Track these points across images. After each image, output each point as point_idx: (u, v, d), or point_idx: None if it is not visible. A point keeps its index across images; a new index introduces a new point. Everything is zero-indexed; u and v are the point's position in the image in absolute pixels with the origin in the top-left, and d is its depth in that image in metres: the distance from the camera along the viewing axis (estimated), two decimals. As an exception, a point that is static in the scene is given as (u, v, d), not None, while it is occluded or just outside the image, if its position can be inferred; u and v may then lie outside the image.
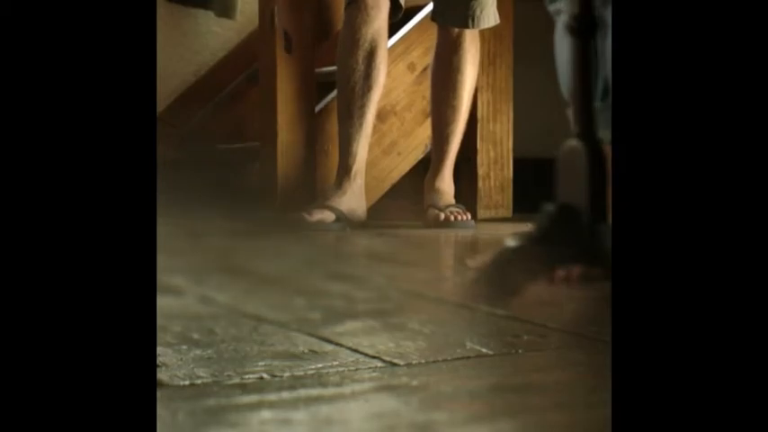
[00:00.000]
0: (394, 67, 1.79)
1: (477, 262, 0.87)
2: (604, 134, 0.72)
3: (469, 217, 1.71)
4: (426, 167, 1.81)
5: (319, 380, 0.51)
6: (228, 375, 0.52)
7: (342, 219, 1.64)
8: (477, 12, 1.68)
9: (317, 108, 1.80)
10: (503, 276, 0.75)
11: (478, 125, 1.89)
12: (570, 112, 0.74)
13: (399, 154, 1.84)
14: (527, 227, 0.77)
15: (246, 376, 0.52)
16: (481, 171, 1.90)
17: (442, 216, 1.68)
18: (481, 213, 1.89)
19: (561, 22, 0.77)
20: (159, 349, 0.58)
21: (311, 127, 1.78)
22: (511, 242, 0.75)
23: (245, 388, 0.49)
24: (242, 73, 2.15)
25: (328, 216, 1.63)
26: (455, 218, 1.68)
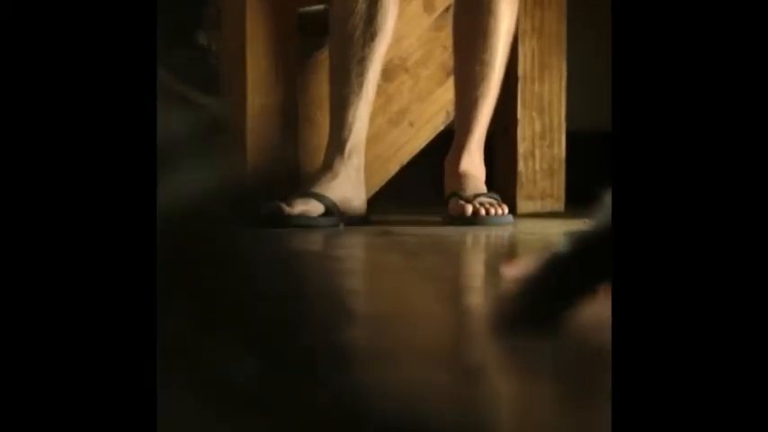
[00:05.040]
0: (406, 5, 1.75)
1: (514, 272, 0.83)
2: None
3: (506, 210, 1.66)
4: (448, 143, 1.75)
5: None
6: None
7: (333, 211, 1.59)
8: None
9: (301, 62, 1.76)
10: (551, 294, 0.70)
11: (519, 85, 1.83)
12: None
13: (412, 125, 1.80)
14: (584, 224, 0.73)
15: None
16: (522, 148, 1.85)
17: (469, 209, 1.63)
18: (522, 206, 1.84)
19: None
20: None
21: (292, 87, 1.73)
22: (562, 246, 0.71)
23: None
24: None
25: (315, 207, 1.58)
26: (486, 211, 1.63)
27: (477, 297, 1.04)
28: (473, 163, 1.73)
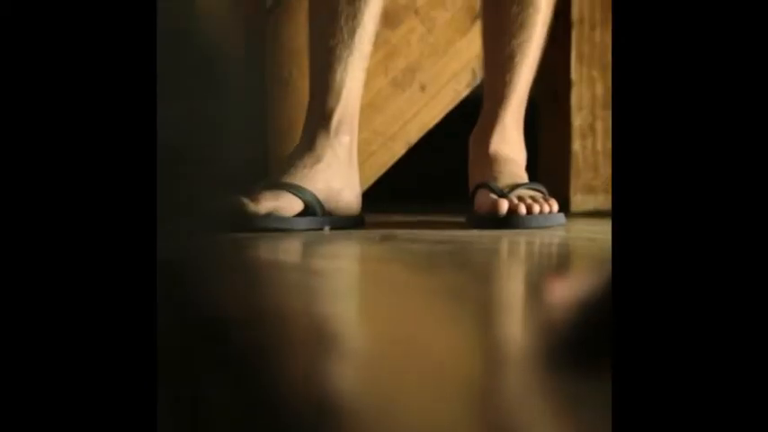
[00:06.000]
0: (414, -75, 1.80)
1: (567, 293, 0.91)
2: None
3: (556, 207, 1.60)
4: (474, 114, 1.71)
5: None
6: None
7: (315, 208, 1.54)
8: None
9: (271, 4, 1.78)
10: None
11: (574, 34, 1.87)
12: None
13: (424, 89, 1.81)
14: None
15: None
16: (579, 120, 1.89)
17: (504, 205, 1.57)
18: (578, 201, 1.90)
19: None
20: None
21: (258, 37, 1.74)
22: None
23: None
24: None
25: (289, 203, 1.53)
26: (528, 209, 1.58)
27: (515, 327, 0.94)
28: (508, 142, 1.69)
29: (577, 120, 1.89)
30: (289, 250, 1.38)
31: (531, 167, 1.71)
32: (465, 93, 1.85)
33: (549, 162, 1.89)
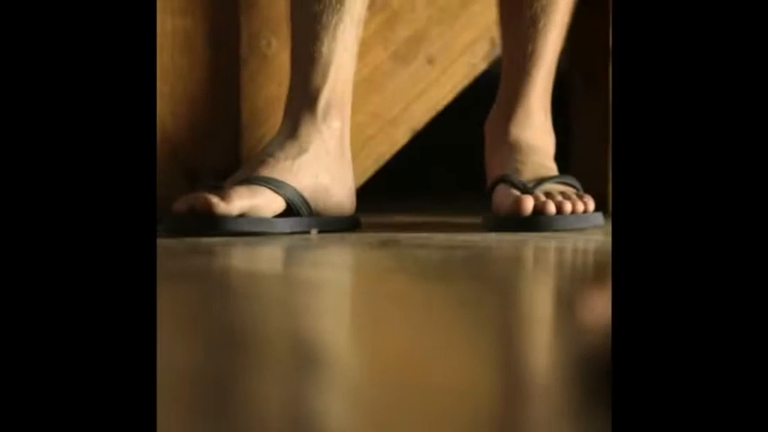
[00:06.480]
0: None
1: (605, 312, 0.91)
2: None
3: (591, 206, 1.55)
4: (491, 94, 1.66)
5: None
6: None
7: (298, 208, 1.50)
8: None
9: None
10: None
11: None
12: None
13: (431, 62, 1.77)
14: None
15: None
16: None
17: (529, 204, 1.52)
18: None
19: None
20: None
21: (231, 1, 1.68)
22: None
23: None
24: None
25: (268, 201, 1.49)
26: (558, 207, 1.53)
27: (539, 355, 0.90)
28: (532, 126, 1.64)
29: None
30: (268, 258, 1.37)
31: (560, 157, 1.67)
32: (482, 67, 1.78)
33: (582, 151, 1.85)
